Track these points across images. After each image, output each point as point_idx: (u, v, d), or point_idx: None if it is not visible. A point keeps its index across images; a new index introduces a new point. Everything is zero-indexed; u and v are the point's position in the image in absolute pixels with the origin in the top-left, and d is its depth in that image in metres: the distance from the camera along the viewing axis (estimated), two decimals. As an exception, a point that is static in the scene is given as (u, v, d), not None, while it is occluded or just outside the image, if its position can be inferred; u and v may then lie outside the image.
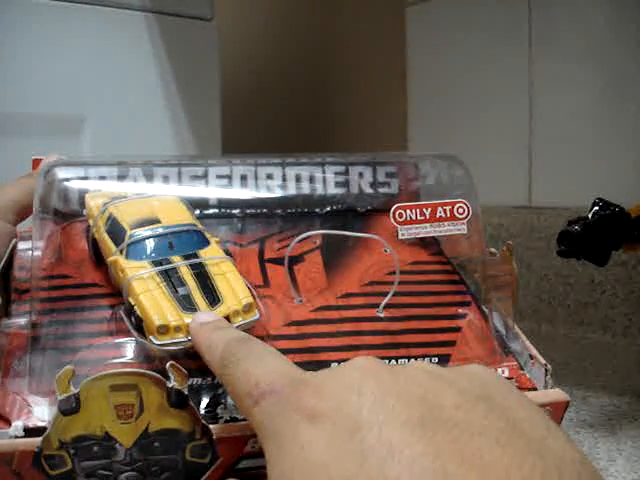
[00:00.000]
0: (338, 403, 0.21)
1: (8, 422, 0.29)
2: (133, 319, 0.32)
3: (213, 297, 0.33)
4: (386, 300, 0.36)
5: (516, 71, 0.81)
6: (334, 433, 0.20)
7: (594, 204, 0.47)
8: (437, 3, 0.90)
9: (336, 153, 0.45)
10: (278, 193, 0.42)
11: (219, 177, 0.42)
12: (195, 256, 0.34)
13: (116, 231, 0.35)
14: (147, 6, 0.80)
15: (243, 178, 0.42)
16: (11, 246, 0.38)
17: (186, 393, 0.29)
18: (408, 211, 0.37)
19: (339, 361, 0.34)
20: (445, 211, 0.37)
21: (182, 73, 0.83)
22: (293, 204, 0.43)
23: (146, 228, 0.35)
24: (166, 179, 0.41)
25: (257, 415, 0.23)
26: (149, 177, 0.41)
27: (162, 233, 0.35)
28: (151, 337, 0.31)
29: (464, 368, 0.24)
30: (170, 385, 0.28)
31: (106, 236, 0.36)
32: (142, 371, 0.28)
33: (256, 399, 0.23)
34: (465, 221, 0.37)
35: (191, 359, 0.31)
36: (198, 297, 0.33)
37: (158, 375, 0.28)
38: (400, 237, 0.37)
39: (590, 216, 0.47)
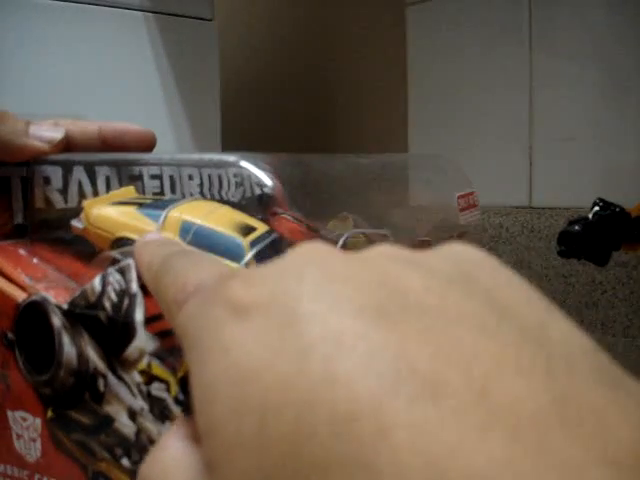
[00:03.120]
0: (271, 293, 0.16)
1: None
2: None
3: None
4: None
5: (516, 71, 0.81)
6: (266, 329, 0.15)
7: (594, 204, 0.47)
8: (437, 3, 0.90)
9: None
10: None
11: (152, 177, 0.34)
12: None
13: (215, 241, 0.28)
14: (147, 6, 0.80)
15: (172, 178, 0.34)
16: None
17: None
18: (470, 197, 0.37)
19: None
20: (470, 200, 0.37)
21: (182, 73, 0.83)
22: None
23: (254, 236, 0.29)
24: (108, 179, 0.33)
25: (179, 322, 0.18)
26: (92, 176, 0.33)
27: (273, 240, 0.29)
28: None
29: (436, 249, 0.18)
30: None
31: (193, 248, 0.28)
32: None
33: (180, 304, 0.18)
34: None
35: None
36: None
37: None
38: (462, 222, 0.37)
39: (590, 216, 0.47)
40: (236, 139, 1.01)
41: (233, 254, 0.27)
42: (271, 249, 0.28)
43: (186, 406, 0.25)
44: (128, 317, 0.26)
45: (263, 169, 0.30)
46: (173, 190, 0.32)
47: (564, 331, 0.15)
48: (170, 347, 0.26)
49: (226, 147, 0.89)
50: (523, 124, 0.81)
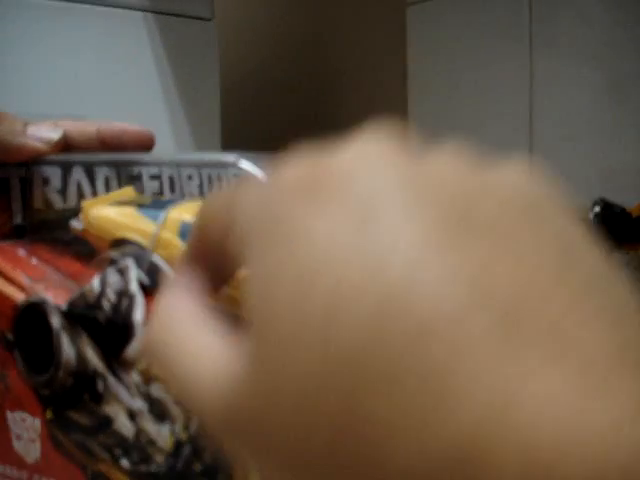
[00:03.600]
0: (346, 178, 0.14)
1: None
2: None
3: None
4: None
5: (516, 71, 0.81)
6: (342, 219, 0.13)
7: (595, 204, 0.47)
8: (437, 3, 0.90)
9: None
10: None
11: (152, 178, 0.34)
12: None
13: None
14: (147, 6, 0.80)
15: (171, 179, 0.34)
16: None
17: None
18: None
19: None
20: None
21: (182, 73, 0.83)
22: None
23: None
24: (107, 180, 0.33)
25: (236, 223, 0.16)
26: (91, 177, 0.33)
27: None
28: None
29: (503, 172, 0.17)
30: None
31: None
32: None
33: (235, 199, 0.16)
34: None
35: None
36: None
37: None
38: None
39: (591, 216, 0.47)
40: (236, 140, 1.01)
41: None
42: None
43: None
44: (127, 317, 0.26)
45: (262, 169, 0.30)
46: (173, 190, 0.32)
47: (620, 284, 0.14)
48: None
49: (226, 147, 0.88)
50: (523, 124, 0.81)
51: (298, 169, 0.15)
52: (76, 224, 0.31)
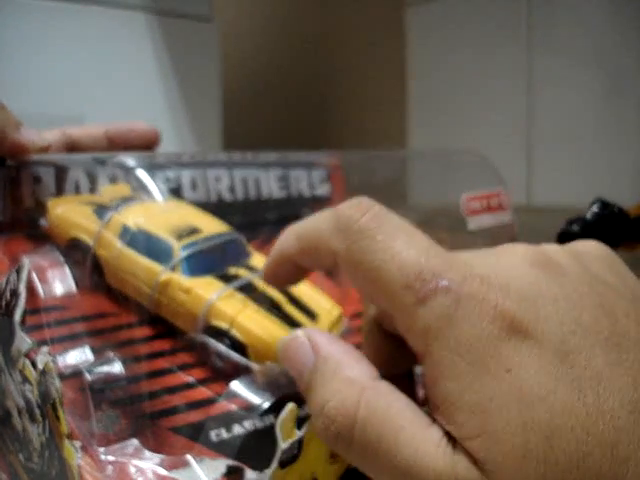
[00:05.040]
0: (536, 314, 0.18)
1: None
2: (226, 345, 0.27)
3: (307, 311, 0.29)
4: None
5: (515, 71, 0.81)
6: (543, 356, 0.17)
7: (593, 204, 0.47)
8: (437, 4, 0.90)
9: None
10: (228, 198, 0.36)
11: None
12: (253, 267, 0.29)
13: (150, 245, 0.29)
14: (147, 6, 0.80)
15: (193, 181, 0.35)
16: None
17: None
18: (477, 201, 0.34)
19: None
20: (496, 201, 0.35)
21: (182, 73, 0.83)
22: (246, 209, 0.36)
23: (192, 239, 0.29)
24: (113, 179, 0.33)
25: (424, 317, 0.18)
26: (92, 178, 0.33)
27: (216, 243, 0.29)
28: (268, 363, 0.26)
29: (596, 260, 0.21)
30: None
31: (130, 251, 0.28)
32: None
33: (421, 296, 0.18)
34: (509, 211, 0.35)
35: None
36: (295, 312, 0.29)
37: None
38: (470, 229, 0.34)
39: (589, 216, 0.47)
40: (237, 140, 1.01)
41: (163, 256, 0.28)
42: (208, 252, 0.28)
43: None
44: (11, 316, 0.26)
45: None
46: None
47: None
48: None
49: (227, 147, 0.89)
50: (522, 124, 0.81)
51: (485, 289, 0.18)
52: (43, 222, 0.31)
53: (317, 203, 0.37)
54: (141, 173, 0.30)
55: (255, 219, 0.35)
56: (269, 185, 0.36)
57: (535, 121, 0.80)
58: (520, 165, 0.82)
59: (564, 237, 0.47)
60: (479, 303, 0.18)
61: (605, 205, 0.47)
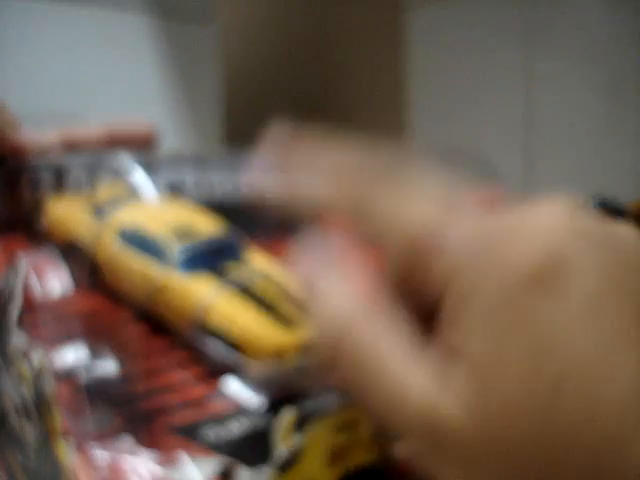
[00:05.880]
0: (568, 267, 0.17)
1: None
2: (220, 344, 0.27)
3: (304, 310, 0.29)
4: None
5: (515, 71, 0.81)
6: (570, 310, 0.17)
7: (593, 202, 0.47)
8: (436, 7, 0.90)
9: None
10: (228, 198, 0.36)
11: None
12: (250, 266, 0.30)
13: (147, 244, 0.29)
14: (147, 7, 0.80)
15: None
16: None
17: None
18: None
19: None
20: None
21: (182, 74, 0.83)
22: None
23: (189, 239, 0.29)
24: (111, 179, 0.33)
25: (446, 265, 0.18)
26: (91, 172, 0.33)
27: (213, 243, 0.30)
28: (263, 361, 0.26)
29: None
30: None
31: (127, 251, 0.29)
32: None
33: (437, 247, 0.19)
34: None
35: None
36: (291, 312, 0.28)
37: None
38: None
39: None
40: (237, 140, 1.01)
41: (160, 256, 0.28)
42: (205, 251, 0.28)
43: None
44: (8, 315, 0.26)
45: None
46: None
47: None
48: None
49: (227, 146, 0.89)
50: (521, 124, 0.81)
51: (525, 252, 0.18)
52: (42, 222, 0.32)
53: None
54: (139, 173, 0.31)
55: (255, 219, 0.35)
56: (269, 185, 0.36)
57: (534, 121, 0.80)
58: (520, 165, 0.81)
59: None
60: (508, 250, 0.18)
61: (605, 203, 0.47)
